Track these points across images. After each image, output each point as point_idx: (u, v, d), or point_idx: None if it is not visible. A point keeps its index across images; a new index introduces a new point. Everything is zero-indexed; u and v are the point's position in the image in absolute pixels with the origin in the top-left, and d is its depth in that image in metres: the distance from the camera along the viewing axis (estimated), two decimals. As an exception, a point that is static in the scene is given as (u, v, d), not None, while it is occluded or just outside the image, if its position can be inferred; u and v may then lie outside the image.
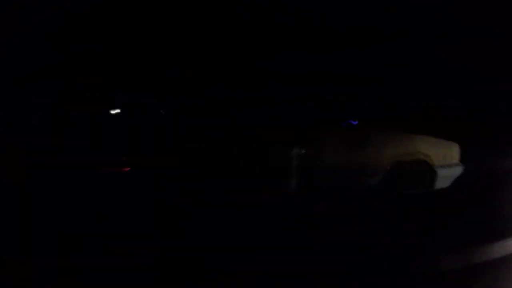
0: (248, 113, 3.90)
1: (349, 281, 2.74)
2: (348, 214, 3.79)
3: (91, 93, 4.75)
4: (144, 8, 5.96)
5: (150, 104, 4.21)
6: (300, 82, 4.24)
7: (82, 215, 3.43)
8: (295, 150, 3.81)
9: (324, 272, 2.78)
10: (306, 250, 3.03)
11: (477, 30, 7.46)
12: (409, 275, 2.85)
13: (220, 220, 3.39)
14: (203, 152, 3.61)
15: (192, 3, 6.29)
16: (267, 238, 3.16)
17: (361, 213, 3.85)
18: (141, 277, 2.64)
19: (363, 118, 4.24)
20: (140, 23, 5.89)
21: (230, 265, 2.84)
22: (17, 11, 5.26)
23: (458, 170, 4.54)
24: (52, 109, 4.48)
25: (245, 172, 3.67)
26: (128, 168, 3.49)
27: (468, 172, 4.67)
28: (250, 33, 6.37)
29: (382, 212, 3.93)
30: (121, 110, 4.28)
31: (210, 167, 3.60)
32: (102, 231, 3.19)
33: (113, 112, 4.24)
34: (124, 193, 3.56)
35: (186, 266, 2.80)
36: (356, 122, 4.21)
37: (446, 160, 4.44)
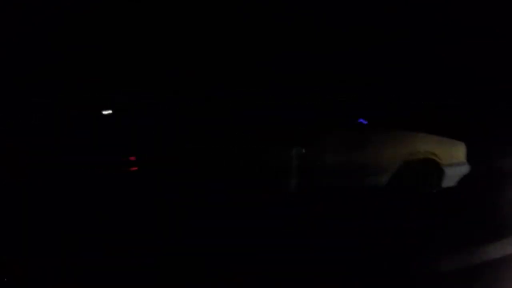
0: (248, 113, 3.90)
1: (349, 281, 2.74)
2: (348, 214, 3.80)
3: (91, 93, 4.74)
4: (144, 8, 5.96)
5: (150, 104, 4.20)
6: (300, 82, 4.24)
7: (82, 215, 3.43)
8: (296, 150, 3.81)
9: (324, 272, 2.79)
10: (306, 250, 3.03)
11: (477, 30, 7.45)
12: (409, 275, 2.85)
13: (220, 220, 3.39)
14: (203, 152, 3.61)
15: (192, 3, 6.29)
16: (267, 238, 3.16)
17: (361, 213, 3.86)
18: (141, 277, 2.64)
19: (373, 117, 4.24)
20: (140, 23, 5.89)
21: (230, 265, 2.84)
22: (17, 11, 5.26)
23: (464, 169, 4.55)
24: (52, 109, 4.48)
25: (245, 172, 3.67)
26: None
27: (468, 172, 4.69)
28: (250, 33, 6.37)
29: (382, 212, 3.93)
30: (121, 110, 4.28)
31: (210, 167, 3.60)
32: (102, 231, 3.19)
33: (105, 112, 4.25)
34: (124, 193, 3.56)
35: (186, 266, 2.80)
36: (366, 122, 4.22)
37: (453, 159, 4.44)
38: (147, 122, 3.89)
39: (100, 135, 3.80)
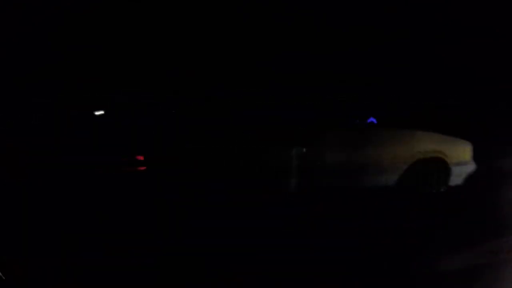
0: (248, 113, 3.90)
1: (349, 281, 2.74)
2: (348, 214, 3.80)
3: (91, 93, 4.74)
4: (144, 8, 5.96)
5: (150, 104, 4.20)
6: (300, 82, 4.24)
7: (82, 215, 3.43)
8: (296, 150, 3.81)
9: (324, 272, 2.78)
10: (306, 250, 3.03)
11: (477, 30, 7.45)
12: (409, 275, 2.85)
13: (220, 220, 3.39)
14: (203, 152, 3.61)
15: (192, 3, 6.29)
16: (267, 238, 3.16)
17: (361, 213, 3.86)
18: (141, 277, 2.64)
19: (383, 116, 4.27)
20: (140, 23, 5.88)
21: (230, 265, 2.84)
22: (17, 11, 5.26)
23: (470, 168, 4.61)
24: (52, 109, 4.48)
25: (245, 172, 3.67)
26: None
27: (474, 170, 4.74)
28: (250, 33, 6.37)
29: (382, 212, 3.93)
30: (121, 110, 4.28)
31: (210, 167, 3.60)
32: (102, 231, 3.19)
33: (97, 113, 4.25)
34: (124, 193, 3.56)
35: (186, 266, 2.80)
36: (368, 122, 4.23)
37: (459, 158, 4.50)
38: (147, 122, 3.89)
39: (100, 135, 3.80)
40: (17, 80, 4.97)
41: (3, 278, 2.22)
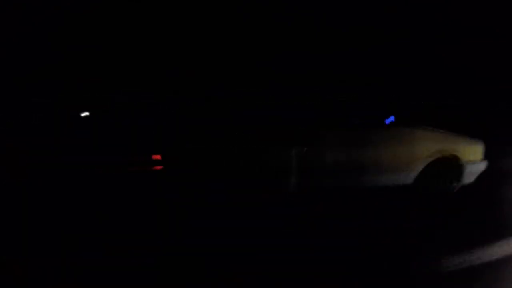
0: (248, 113, 3.90)
1: (349, 281, 2.74)
2: (348, 214, 3.80)
3: (91, 93, 4.75)
4: (144, 8, 5.96)
5: (150, 104, 4.20)
6: (300, 82, 4.24)
7: (82, 215, 3.43)
8: (296, 150, 3.81)
9: (324, 272, 2.78)
10: (306, 250, 3.03)
11: (477, 30, 7.46)
12: (409, 275, 2.85)
13: (220, 220, 3.39)
14: (203, 152, 3.61)
15: (192, 3, 6.29)
16: (267, 238, 3.16)
17: (361, 213, 3.86)
18: (141, 277, 2.64)
19: (399, 116, 4.32)
20: (140, 23, 5.89)
21: (230, 265, 2.84)
22: (17, 11, 5.26)
23: (482, 166, 4.68)
24: (52, 109, 4.48)
25: (245, 172, 3.67)
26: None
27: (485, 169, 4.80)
28: (250, 33, 6.37)
29: (382, 212, 3.93)
30: (121, 110, 4.28)
31: (210, 167, 3.60)
32: (102, 231, 3.19)
33: (83, 114, 4.26)
34: (124, 193, 3.56)
35: (186, 266, 2.80)
36: (389, 121, 4.26)
37: (472, 156, 4.57)
38: (147, 122, 3.89)
39: (99, 135, 3.79)
40: (17, 80, 4.98)
41: None
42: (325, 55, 6.43)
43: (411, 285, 2.77)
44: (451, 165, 4.46)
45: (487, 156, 4.65)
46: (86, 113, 4.31)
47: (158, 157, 3.41)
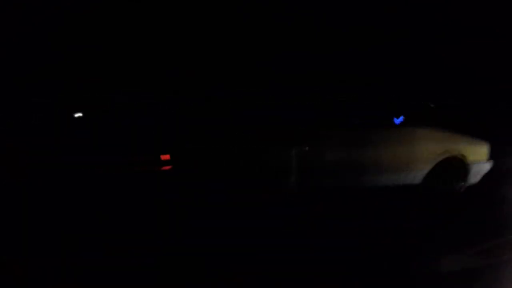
0: (248, 113, 3.89)
1: (349, 281, 2.74)
2: (348, 214, 3.80)
3: (91, 93, 4.75)
4: (144, 8, 5.96)
5: (149, 104, 4.20)
6: (300, 82, 4.24)
7: (82, 215, 3.43)
8: (296, 149, 3.81)
9: (324, 272, 2.78)
10: (306, 250, 3.03)
11: (477, 30, 7.45)
12: (409, 275, 2.85)
13: (220, 220, 3.39)
14: (203, 152, 3.61)
15: (192, 3, 6.29)
16: (267, 238, 3.16)
17: (361, 213, 3.86)
18: (141, 277, 2.64)
19: (407, 116, 4.36)
20: (140, 23, 5.89)
21: (230, 265, 2.84)
22: (17, 11, 5.26)
23: (487, 167, 4.74)
24: (52, 109, 4.48)
25: (245, 172, 3.67)
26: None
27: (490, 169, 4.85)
28: (250, 33, 6.37)
29: (382, 212, 3.93)
30: (121, 110, 4.28)
31: (210, 167, 3.60)
32: (102, 231, 3.19)
33: (76, 115, 4.27)
34: (124, 193, 3.56)
35: (186, 266, 2.80)
36: (399, 121, 4.28)
37: (477, 157, 4.63)
38: (147, 122, 3.89)
39: (99, 135, 3.79)
40: (17, 80, 4.98)
41: None
42: (325, 55, 6.43)
43: (411, 285, 2.77)
44: (458, 165, 4.50)
45: (502, 155, 4.73)
46: (79, 114, 4.32)
47: (167, 157, 3.41)
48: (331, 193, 4.01)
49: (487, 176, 4.77)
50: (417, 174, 4.31)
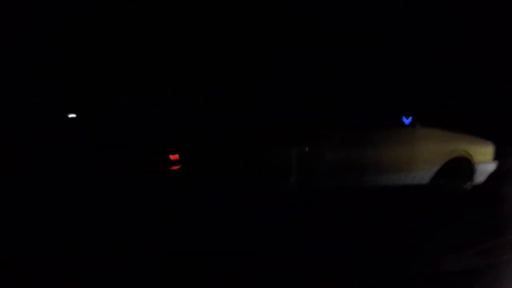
0: (248, 113, 3.89)
1: (349, 281, 2.74)
2: (348, 214, 3.80)
3: (91, 93, 4.74)
4: (144, 8, 5.96)
5: (149, 104, 4.20)
6: (300, 82, 4.24)
7: (82, 215, 3.43)
8: (296, 149, 3.81)
9: (324, 272, 2.78)
10: (306, 250, 3.03)
11: (477, 30, 7.45)
12: (409, 275, 2.85)
13: (220, 220, 3.38)
14: (202, 152, 3.61)
15: (192, 3, 6.29)
16: (267, 238, 3.16)
17: (361, 213, 3.86)
18: (141, 277, 2.64)
19: (415, 116, 4.39)
20: (140, 23, 5.89)
21: (230, 265, 2.84)
22: (17, 11, 5.26)
23: (492, 167, 4.80)
24: (52, 109, 4.48)
25: (245, 172, 3.67)
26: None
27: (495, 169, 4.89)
28: (250, 33, 6.37)
29: (382, 212, 3.93)
30: (120, 110, 4.28)
31: (210, 167, 3.60)
32: (102, 231, 3.19)
33: (70, 116, 4.28)
34: (124, 193, 3.56)
35: (186, 266, 2.80)
36: (408, 121, 4.30)
37: (483, 157, 4.69)
38: (146, 122, 3.88)
39: (99, 135, 3.79)
40: (17, 80, 4.98)
41: None
42: (325, 55, 6.43)
43: (411, 285, 2.77)
44: (465, 165, 4.54)
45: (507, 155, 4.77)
46: (73, 115, 4.32)
47: (176, 156, 3.40)
48: (331, 193, 4.01)
49: (488, 176, 4.77)
50: (426, 174, 4.35)
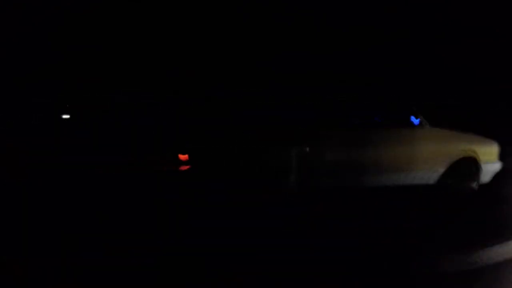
0: (248, 113, 3.90)
1: (349, 281, 2.74)
2: (348, 214, 3.80)
3: (91, 93, 4.75)
4: (144, 8, 5.96)
5: (149, 104, 4.20)
6: (300, 82, 4.24)
7: (82, 215, 3.43)
8: (297, 149, 3.81)
9: (324, 272, 2.78)
10: (306, 250, 3.03)
11: (477, 30, 7.45)
12: (409, 275, 2.85)
13: (220, 220, 3.38)
14: (203, 152, 3.61)
15: (192, 3, 6.29)
16: (267, 238, 3.16)
17: (361, 213, 3.86)
18: (141, 277, 2.64)
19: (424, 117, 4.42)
20: (140, 23, 5.89)
21: (230, 265, 2.84)
22: (17, 11, 5.26)
23: (497, 166, 4.85)
24: (52, 109, 4.48)
25: (245, 172, 3.67)
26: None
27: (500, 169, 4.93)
28: (250, 33, 6.37)
29: (382, 212, 3.93)
30: (120, 110, 4.28)
31: (210, 167, 3.60)
32: (102, 231, 3.19)
33: (64, 116, 4.29)
34: (124, 193, 3.56)
35: (186, 266, 2.80)
36: (418, 121, 4.32)
37: (489, 157, 4.74)
38: (145, 122, 3.89)
39: (99, 135, 3.80)
40: (17, 80, 4.98)
41: None
42: (325, 55, 6.43)
43: (411, 285, 2.77)
44: (472, 165, 4.59)
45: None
46: (67, 116, 4.34)
47: (186, 157, 3.41)
48: (331, 193, 4.01)
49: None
50: (435, 174, 4.39)
